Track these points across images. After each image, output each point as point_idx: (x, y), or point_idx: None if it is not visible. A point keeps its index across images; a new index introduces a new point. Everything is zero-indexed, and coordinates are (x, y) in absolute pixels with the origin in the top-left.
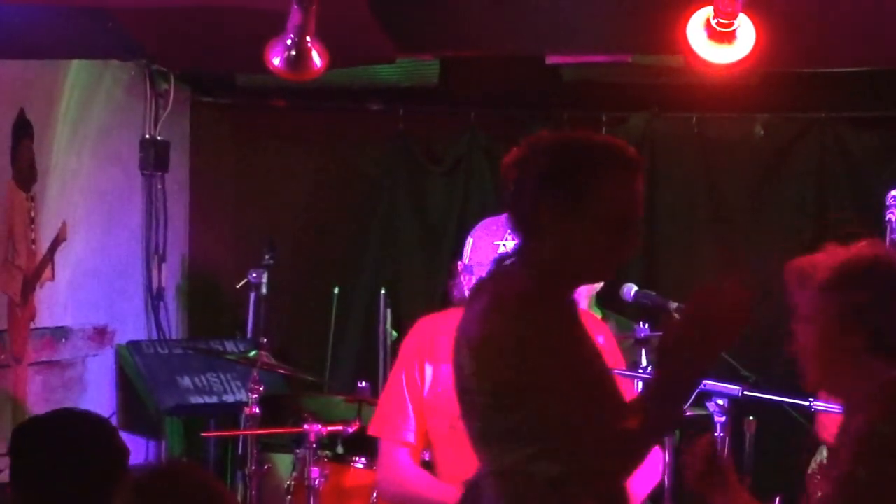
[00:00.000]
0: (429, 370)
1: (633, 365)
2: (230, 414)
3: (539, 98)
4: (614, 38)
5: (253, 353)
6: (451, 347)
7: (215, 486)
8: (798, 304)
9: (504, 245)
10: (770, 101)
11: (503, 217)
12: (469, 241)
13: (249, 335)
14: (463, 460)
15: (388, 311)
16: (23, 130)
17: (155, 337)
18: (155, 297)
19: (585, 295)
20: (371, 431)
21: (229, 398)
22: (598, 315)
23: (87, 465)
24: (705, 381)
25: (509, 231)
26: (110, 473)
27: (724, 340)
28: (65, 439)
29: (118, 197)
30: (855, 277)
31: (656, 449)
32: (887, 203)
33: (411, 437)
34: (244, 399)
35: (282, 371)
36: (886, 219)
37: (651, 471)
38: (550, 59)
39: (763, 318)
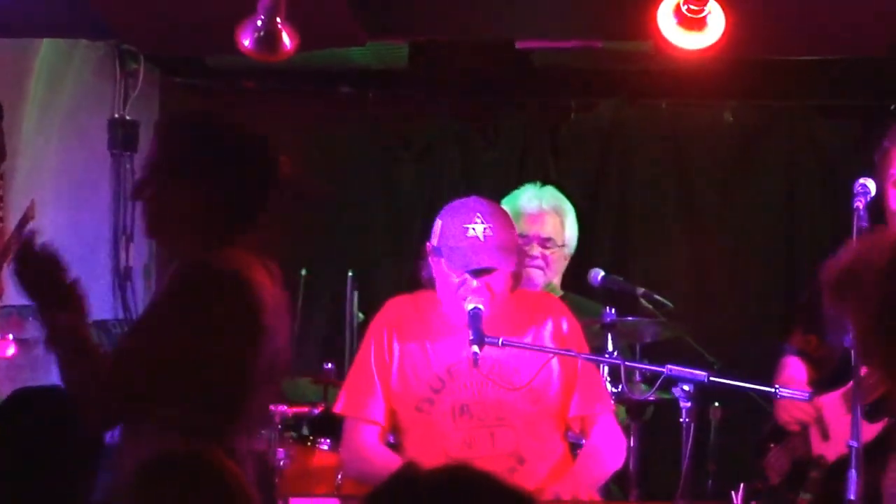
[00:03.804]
0: (397, 350)
1: (599, 350)
2: None
3: (508, 83)
4: (585, 24)
5: None
6: (419, 328)
7: (229, 473)
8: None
9: (473, 228)
10: (740, 88)
11: (472, 199)
12: (438, 223)
13: None
14: (428, 442)
15: (356, 293)
16: None
17: (122, 316)
18: (122, 277)
19: (555, 273)
20: (337, 410)
21: None
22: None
23: (62, 438)
24: (672, 367)
25: (479, 213)
26: (83, 446)
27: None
28: (43, 413)
29: (87, 177)
30: None
31: (620, 434)
32: (855, 191)
33: (379, 417)
34: None
35: None
36: (854, 207)
37: (614, 454)
38: (520, 45)
39: (729, 306)
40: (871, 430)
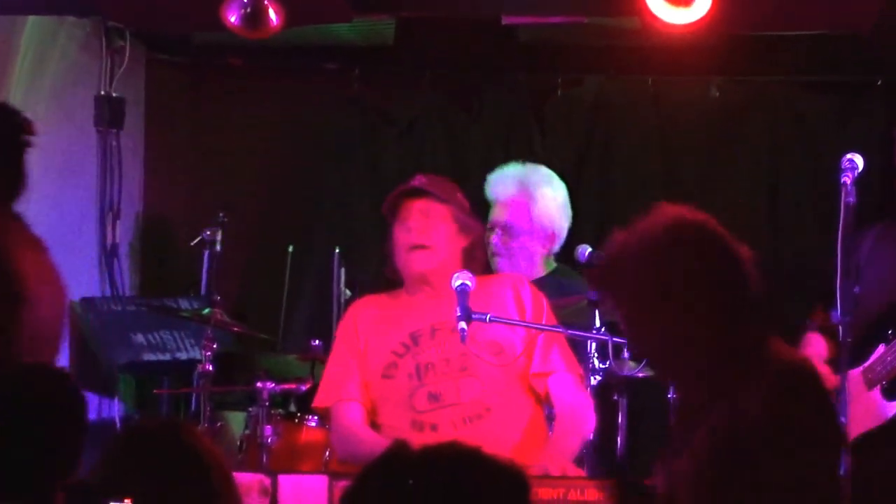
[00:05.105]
0: (362, 329)
1: (587, 326)
2: (183, 371)
3: (494, 59)
4: (571, 0)
5: (206, 310)
6: (382, 307)
7: (205, 451)
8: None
9: (411, 181)
10: (726, 63)
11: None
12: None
13: (203, 293)
14: (397, 404)
15: (343, 270)
16: None
17: (109, 294)
18: (109, 254)
19: (540, 253)
20: (317, 404)
21: (182, 355)
22: (544, 270)
23: (45, 417)
24: None
25: (419, 176)
26: (67, 424)
27: None
28: (25, 392)
29: (73, 153)
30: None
31: (586, 396)
32: (842, 167)
33: (357, 394)
34: (197, 356)
35: (235, 329)
36: (841, 182)
37: (586, 418)
38: (506, 20)
39: None
40: (891, 408)
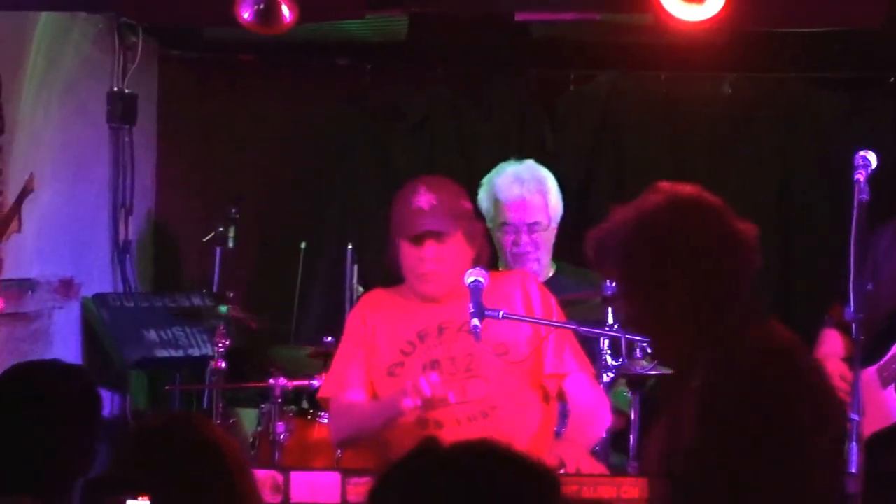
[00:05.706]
0: (371, 324)
1: (599, 323)
2: (196, 368)
3: (508, 55)
4: None
5: (224, 308)
6: (391, 304)
7: (220, 441)
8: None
9: (417, 199)
10: (738, 60)
11: (420, 178)
12: (393, 210)
13: (215, 289)
14: None
15: (355, 266)
16: None
17: (121, 290)
18: (121, 250)
19: (545, 252)
20: (322, 394)
21: (195, 352)
22: (552, 269)
23: (61, 412)
24: None
25: (424, 185)
26: (83, 421)
27: None
28: (42, 387)
29: (86, 149)
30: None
31: (601, 392)
32: (855, 164)
33: (361, 383)
34: (210, 353)
35: (248, 325)
36: (854, 179)
37: (601, 412)
38: (519, 16)
39: None
40: None
